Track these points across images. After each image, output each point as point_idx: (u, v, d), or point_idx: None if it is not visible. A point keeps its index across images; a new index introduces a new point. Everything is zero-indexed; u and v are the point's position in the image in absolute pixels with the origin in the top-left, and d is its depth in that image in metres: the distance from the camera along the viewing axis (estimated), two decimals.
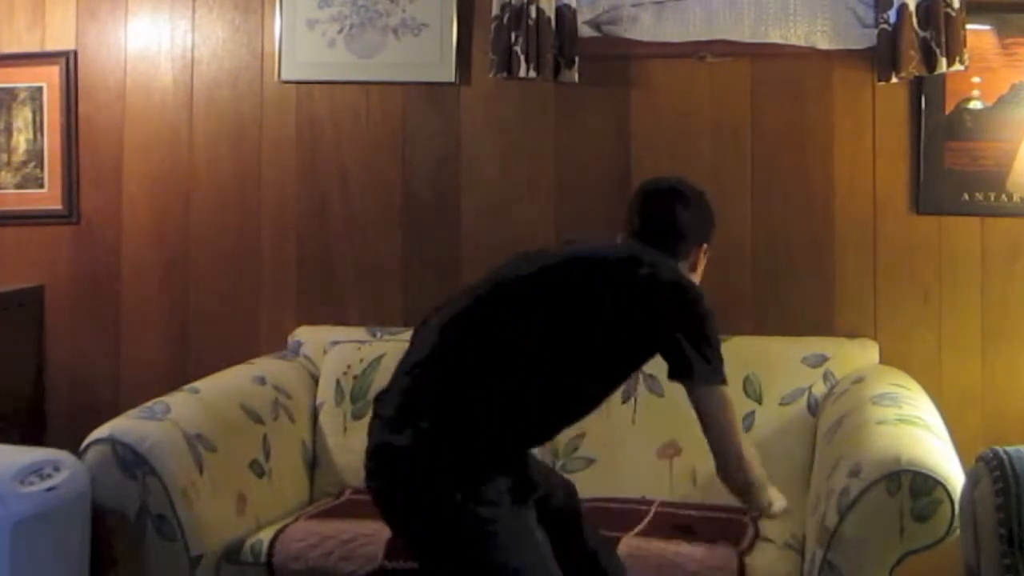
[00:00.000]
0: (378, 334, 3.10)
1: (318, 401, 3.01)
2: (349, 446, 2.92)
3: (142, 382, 3.24)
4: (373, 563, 2.37)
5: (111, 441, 2.40)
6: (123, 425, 2.45)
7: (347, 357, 3.02)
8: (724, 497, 2.49)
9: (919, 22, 2.85)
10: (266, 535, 2.51)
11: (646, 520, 2.54)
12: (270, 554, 2.44)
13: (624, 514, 2.58)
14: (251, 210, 3.33)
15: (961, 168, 2.99)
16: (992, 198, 2.97)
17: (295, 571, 2.41)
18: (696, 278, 2.25)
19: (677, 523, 2.53)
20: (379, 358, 2.97)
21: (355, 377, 2.98)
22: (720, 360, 2.07)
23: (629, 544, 2.38)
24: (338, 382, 2.99)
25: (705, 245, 2.27)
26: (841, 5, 3.04)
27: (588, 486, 2.83)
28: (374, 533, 2.41)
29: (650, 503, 2.68)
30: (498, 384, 2.01)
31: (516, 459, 2.09)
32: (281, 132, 3.31)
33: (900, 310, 3.02)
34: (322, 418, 2.99)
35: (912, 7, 2.85)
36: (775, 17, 3.06)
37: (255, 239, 3.33)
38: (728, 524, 2.54)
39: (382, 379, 2.91)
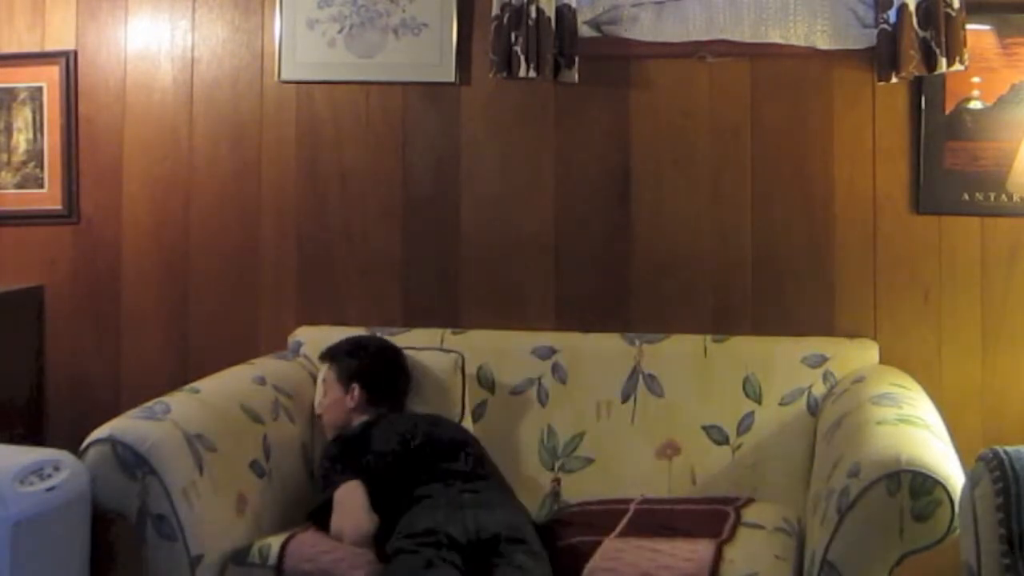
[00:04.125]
0: (378, 334, 3.10)
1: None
2: None
3: (142, 382, 3.25)
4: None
5: (111, 441, 2.39)
6: (123, 425, 2.45)
7: None
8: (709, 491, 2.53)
9: (919, 22, 2.85)
10: (275, 541, 2.50)
11: (625, 520, 2.54)
12: (281, 556, 2.43)
13: (604, 515, 2.59)
14: (251, 210, 3.33)
15: (961, 168, 2.99)
16: (992, 198, 2.97)
17: (305, 572, 2.40)
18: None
19: (657, 520, 2.53)
20: None
21: None
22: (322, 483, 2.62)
23: (609, 547, 2.39)
24: None
25: None
26: (841, 5, 3.04)
27: (586, 486, 2.86)
28: None
29: (629, 502, 2.68)
30: None
31: None
32: (281, 132, 3.32)
33: (900, 310, 3.02)
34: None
35: (912, 7, 2.85)
36: (775, 17, 3.06)
37: (255, 239, 3.33)
38: (709, 515, 2.54)
39: None
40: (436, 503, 2.43)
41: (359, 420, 2.78)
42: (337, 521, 2.49)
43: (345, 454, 2.67)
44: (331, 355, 2.91)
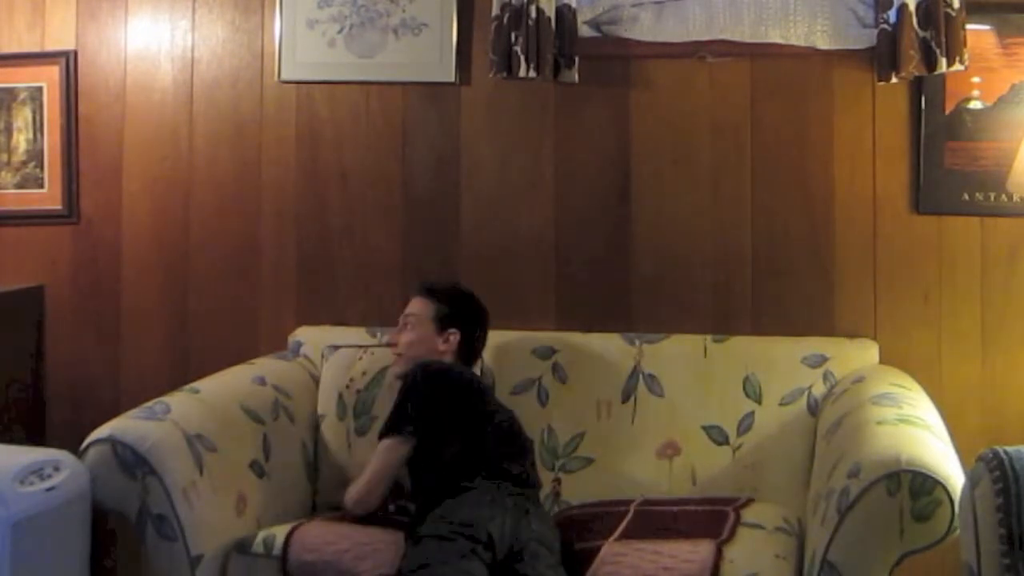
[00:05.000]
0: (378, 334, 3.09)
1: (319, 412, 2.99)
2: (354, 462, 2.87)
3: (142, 382, 3.25)
4: (388, 568, 2.37)
5: (111, 441, 2.40)
6: (123, 425, 2.45)
7: (347, 367, 2.99)
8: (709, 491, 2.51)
9: (919, 22, 2.85)
10: (279, 531, 2.50)
11: (625, 521, 2.55)
12: (286, 546, 2.44)
13: (604, 517, 2.59)
14: (251, 210, 3.33)
15: (961, 168, 2.99)
16: (992, 198, 2.97)
17: (308, 563, 2.41)
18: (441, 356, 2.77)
19: (658, 522, 2.53)
20: (383, 370, 2.94)
21: (358, 391, 2.95)
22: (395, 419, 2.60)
23: (609, 551, 2.38)
24: (340, 396, 2.96)
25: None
26: (841, 5, 3.04)
27: (587, 486, 2.86)
28: (394, 540, 2.44)
29: (629, 503, 2.68)
30: None
31: None
32: (281, 132, 3.32)
33: (900, 310, 3.02)
34: (324, 430, 2.97)
35: (912, 7, 2.85)
36: (775, 17, 3.05)
37: (255, 239, 3.33)
38: (709, 516, 2.55)
39: (386, 394, 2.88)
40: (481, 498, 2.42)
41: None
42: (362, 474, 2.59)
43: (436, 386, 2.64)
44: (434, 292, 2.84)
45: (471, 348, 2.83)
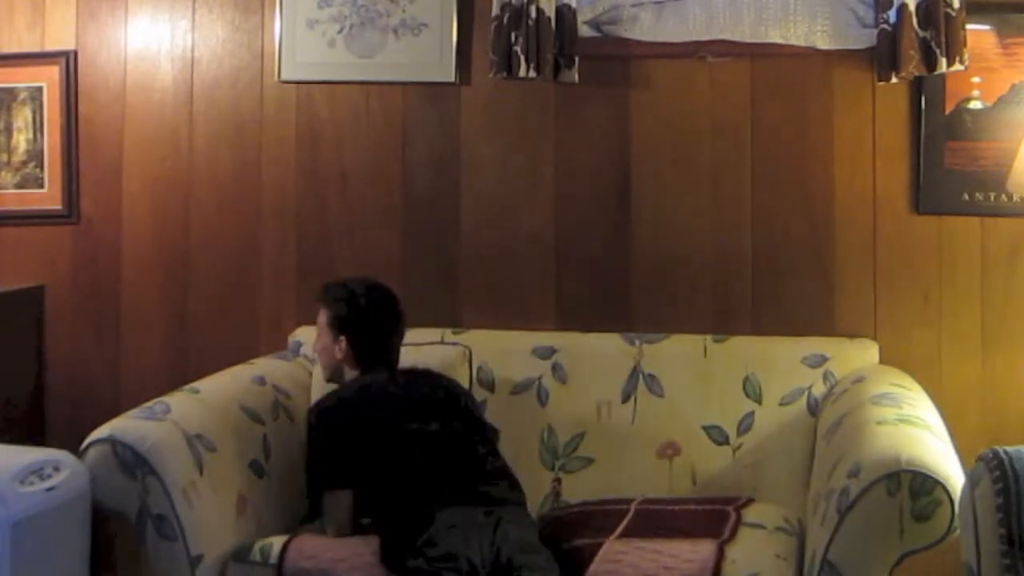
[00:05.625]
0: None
1: None
2: None
3: (142, 382, 3.25)
4: None
5: (111, 441, 2.40)
6: (123, 425, 2.45)
7: None
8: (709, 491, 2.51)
9: (919, 22, 2.85)
10: (276, 540, 2.49)
11: (626, 521, 2.54)
12: (283, 552, 2.44)
13: (605, 516, 2.59)
14: (251, 210, 3.33)
15: (961, 168, 2.99)
16: (992, 198, 2.97)
17: (304, 570, 2.41)
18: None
19: (658, 521, 2.53)
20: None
21: None
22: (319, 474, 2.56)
23: (609, 549, 2.38)
24: None
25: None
26: (841, 5, 3.04)
27: (587, 486, 2.86)
28: None
29: (629, 502, 2.68)
30: None
31: None
32: (281, 132, 3.32)
33: (900, 310, 3.02)
34: None
35: (912, 7, 2.85)
36: (775, 17, 3.06)
37: (255, 239, 3.33)
38: (710, 516, 2.55)
39: None
40: (452, 523, 2.38)
41: (351, 373, 2.70)
42: (325, 522, 2.54)
43: (339, 423, 2.56)
44: (323, 297, 2.75)
45: (372, 351, 2.69)
